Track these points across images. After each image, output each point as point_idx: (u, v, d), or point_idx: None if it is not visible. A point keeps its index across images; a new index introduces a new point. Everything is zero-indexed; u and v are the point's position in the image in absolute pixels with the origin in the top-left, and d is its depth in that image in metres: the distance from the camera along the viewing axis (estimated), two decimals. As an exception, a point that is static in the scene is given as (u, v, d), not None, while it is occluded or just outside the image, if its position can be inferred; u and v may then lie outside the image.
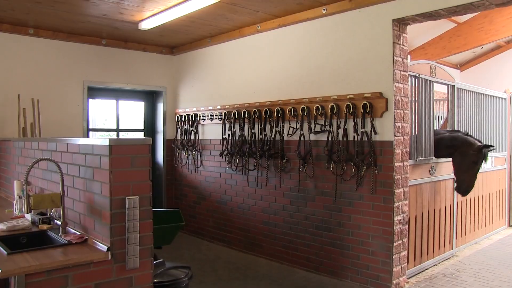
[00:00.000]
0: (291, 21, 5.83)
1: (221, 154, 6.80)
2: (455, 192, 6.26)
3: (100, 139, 3.01)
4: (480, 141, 6.02)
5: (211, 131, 7.17)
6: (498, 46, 15.92)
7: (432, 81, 5.84)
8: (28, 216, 3.86)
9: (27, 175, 3.30)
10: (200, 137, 7.40)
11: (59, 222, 3.43)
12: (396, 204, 4.87)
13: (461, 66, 16.94)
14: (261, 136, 6.20)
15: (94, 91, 7.30)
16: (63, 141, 3.58)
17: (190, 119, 7.49)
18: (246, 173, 6.47)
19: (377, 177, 4.96)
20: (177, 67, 8.00)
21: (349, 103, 5.11)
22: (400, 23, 4.96)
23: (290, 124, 5.86)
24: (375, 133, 4.95)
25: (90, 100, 7.28)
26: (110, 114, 7.95)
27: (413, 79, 5.43)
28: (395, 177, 4.86)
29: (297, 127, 5.73)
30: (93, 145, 3.06)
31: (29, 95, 6.25)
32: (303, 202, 5.74)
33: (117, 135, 7.77)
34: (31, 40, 6.48)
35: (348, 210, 5.25)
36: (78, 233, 3.25)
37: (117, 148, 2.89)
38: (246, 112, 6.39)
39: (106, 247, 2.86)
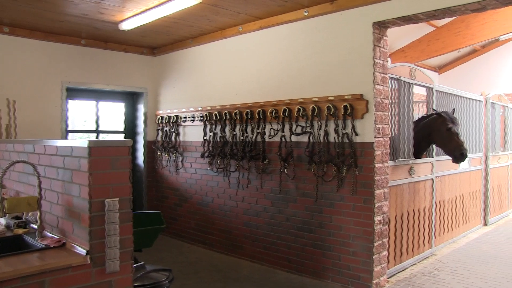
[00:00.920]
0: (273, 23, 5.84)
1: (202, 156, 6.77)
2: (433, 193, 6.36)
3: (79, 141, 2.97)
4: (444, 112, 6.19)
5: (193, 133, 7.14)
6: (474, 50, 16.21)
7: (412, 84, 5.91)
8: (2, 221, 3.77)
9: (2, 178, 3.22)
10: (181, 139, 7.36)
11: (35, 226, 3.36)
12: (376, 205, 4.91)
13: (440, 69, 17.20)
14: (242, 138, 6.19)
15: (73, 92, 7.20)
16: (41, 143, 3.52)
17: (171, 120, 7.45)
18: (228, 174, 6.45)
19: (357, 178, 4.99)
20: (158, 68, 7.95)
21: (330, 104, 5.14)
22: (381, 26, 5.01)
23: (271, 126, 5.87)
24: (356, 134, 4.99)
25: (69, 101, 7.18)
26: (90, 116, 7.86)
27: (393, 81, 5.48)
28: (376, 178, 4.90)
29: (279, 128, 5.75)
30: (72, 146, 3.01)
31: (4, 96, 6.14)
32: (285, 204, 5.75)
33: (97, 137, 7.68)
34: (6, 39, 6.34)
35: (329, 211, 5.27)
36: (56, 237, 3.19)
37: (97, 150, 2.84)
38: (228, 114, 6.38)
39: (85, 251, 2.81)
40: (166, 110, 7.69)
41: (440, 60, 16.33)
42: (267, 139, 5.92)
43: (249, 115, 6.06)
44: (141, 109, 8.00)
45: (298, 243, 5.60)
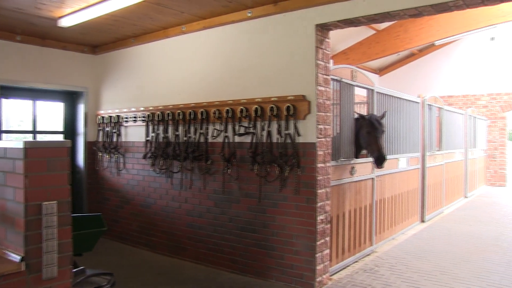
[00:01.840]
0: (217, 23, 5.82)
1: (144, 157, 6.65)
2: (374, 192, 6.55)
3: (13, 142, 2.85)
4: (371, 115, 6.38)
5: (134, 133, 7.00)
6: (412, 53, 16.88)
7: (353, 85, 6.05)
8: None
9: None
10: (123, 139, 7.20)
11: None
12: (318, 204, 4.99)
13: (380, 71, 17.77)
14: (185, 138, 6.14)
15: (7, 91, 6.87)
16: (-30, 144, 3.34)
17: (113, 120, 7.27)
18: (170, 175, 6.38)
19: (300, 178, 5.05)
20: (100, 67, 7.73)
21: (273, 105, 5.18)
22: (323, 29, 5.10)
23: (214, 126, 5.85)
24: (298, 135, 5.05)
25: (3, 100, 6.85)
26: (26, 115, 7.52)
27: (335, 82, 5.59)
28: (318, 178, 4.98)
29: (222, 129, 5.73)
30: (5, 148, 2.89)
31: None
32: (228, 204, 5.74)
33: (34, 138, 7.37)
34: None
35: (272, 211, 5.31)
36: (-14, 243, 3.04)
37: (33, 151, 2.74)
38: (170, 114, 6.30)
39: (20, 257, 2.70)
40: (107, 110, 7.50)
41: (380, 63, 16.90)
42: (210, 140, 5.90)
43: (192, 116, 6.01)
44: (81, 109, 7.76)
45: (242, 243, 5.61)
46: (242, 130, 5.54)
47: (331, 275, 5.42)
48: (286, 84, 5.19)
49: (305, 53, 5.05)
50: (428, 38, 12.46)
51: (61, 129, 7.83)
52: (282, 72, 5.23)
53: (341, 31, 5.45)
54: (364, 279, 5.41)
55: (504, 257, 6.37)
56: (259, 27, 5.46)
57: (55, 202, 2.82)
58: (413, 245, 7.05)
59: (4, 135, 6.92)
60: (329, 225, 5.24)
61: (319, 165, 5.01)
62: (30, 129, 7.37)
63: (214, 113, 5.75)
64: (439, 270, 5.76)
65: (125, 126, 7.16)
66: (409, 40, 12.56)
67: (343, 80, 5.77)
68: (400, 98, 7.78)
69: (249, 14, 5.46)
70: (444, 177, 10.39)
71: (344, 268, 5.81)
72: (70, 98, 7.83)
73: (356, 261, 6.13)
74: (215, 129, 5.83)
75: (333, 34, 5.37)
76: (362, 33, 13.03)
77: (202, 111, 5.89)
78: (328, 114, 5.20)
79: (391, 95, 7.35)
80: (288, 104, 5.06)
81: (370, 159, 6.51)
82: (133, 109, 6.96)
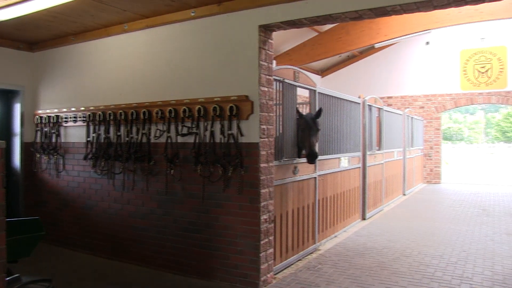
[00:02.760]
0: (160, 22, 5.75)
1: (85, 158, 6.47)
2: (316, 191, 6.68)
3: None
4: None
5: (75, 134, 6.79)
6: (354, 55, 17.35)
7: (296, 86, 6.15)
8: None
9: None
10: (62, 140, 6.96)
11: None
12: (262, 204, 5.04)
13: (323, 72, 18.13)
14: (127, 139, 6.02)
15: None
16: None
17: (52, 121, 7.02)
18: (112, 177, 6.24)
19: (243, 178, 5.08)
20: (38, 65, 7.43)
21: (216, 105, 5.18)
22: (266, 29, 5.15)
23: (157, 127, 5.78)
24: (242, 135, 5.08)
25: None
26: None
27: (277, 83, 5.66)
28: (261, 178, 5.02)
29: (164, 129, 5.67)
30: None
31: None
32: (171, 205, 5.69)
33: (-35, 138, 6.99)
34: None
35: (216, 211, 5.31)
36: None
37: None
38: (112, 114, 6.16)
39: None
40: (46, 110, 7.22)
41: (323, 64, 17.24)
42: (152, 140, 5.82)
43: (134, 116, 5.91)
44: (17, 108, 7.42)
45: (186, 244, 5.57)
46: (185, 131, 5.50)
47: (275, 274, 5.48)
48: (229, 85, 5.20)
49: (248, 53, 5.08)
50: (369, 41, 12.88)
51: (-5, 129, 7.48)
52: (225, 72, 5.24)
53: (284, 32, 5.54)
54: (308, 277, 5.50)
55: (437, 250, 6.69)
56: (203, 27, 5.45)
57: (-13, 206, 2.70)
58: (355, 242, 7.25)
59: None
60: (272, 224, 5.30)
61: (262, 165, 5.06)
62: (-39, 129, 7.00)
63: (157, 113, 5.68)
64: (380, 265, 5.96)
65: (65, 127, 6.93)
66: (350, 42, 12.92)
67: (286, 80, 5.85)
68: (341, 98, 7.98)
69: (192, 14, 5.43)
70: (384, 175, 10.75)
71: (288, 267, 5.88)
72: (5, 97, 7.48)
73: (299, 260, 6.22)
74: (157, 129, 5.76)
75: (276, 35, 5.44)
76: (305, 34, 13.25)
77: (144, 111, 5.80)
78: (271, 114, 5.26)
79: (332, 96, 7.52)
80: (231, 104, 5.08)
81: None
82: (73, 109, 6.75)
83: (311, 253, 6.58)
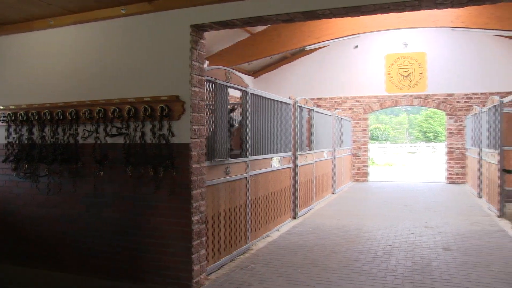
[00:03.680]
0: (89, 18, 5.54)
1: (5, 160, 6.10)
2: (248, 191, 6.73)
3: None
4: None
5: (-7, 135, 6.41)
6: (285, 57, 17.65)
7: (227, 86, 6.16)
8: None
9: None
10: (-21, 141, 6.55)
11: None
12: (194, 205, 5.00)
13: (255, 73, 18.29)
14: (53, 140, 5.76)
15: None
16: None
17: (-33, 120, 6.58)
18: (36, 180, 5.94)
19: (175, 179, 5.02)
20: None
21: (146, 105, 5.08)
22: (198, 29, 5.13)
23: (85, 127, 5.57)
24: (173, 135, 5.02)
25: None
26: None
27: (209, 83, 5.65)
28: (192, 179, 4.99)
29: (93, 130, 5.48)
30: None
31: None
32: (100, 208, 5.50)
33: None
34: None
35: (147, 213, 5.20)
36: None
37: None
38: (36, 114, 5.86)
39: None
40: (-39, 109, 6.76)
41: (255, 65, 17.40)
42: (80, 141, 5.60)
43: (61, 116, 5.66)
44: None
45: (116, 248, 5.41)
46: (114, 131, 5.35)
47: (208, 275, 5.47)
48: (160, 85, 5.12)
49: (180, 53, 5.03)
50: (300, 43, 13.17)
51: None
52: (156, 72, 5.16)
53: (216, 32, 5.54)
54: (241, 277, 5.54)
55: (365, 246, 6.97)
56: (134, 25, 5.33)
57: None
58: (287, 241, 7.38)
59: None
60: (204, 225, 5.28)
61: (194, 165, 5.03)
62: None
63: (85, 113, 5.48)
64: (311, 262, 6.11)
65: (-18, 127, 6.52)
66: (282, 44, 13.15)
67: (218, 81, 5.85)
68: (273, 99, 8.09)
69: (123, 11, 5.30)
70: (314, 175, 11.02)
71: (221, 267, 5.89)
72: None
73: (232, 260, 6.25)
74: (85, 130, 5.55)
75: (209, 35, 5.42)
76: (237, 35, 13.32)
77: (71, 111, 5.57)
78: (202, 114, 5.23)
79: (264, 97, 7.60)
80: (162, 105, 5.01)
81: (244, 159, 6.68)
82: (-8, 108, 6.38)
83: (244, 252, 6.62)
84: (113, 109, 5.27)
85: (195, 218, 5.04)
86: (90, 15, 5.52)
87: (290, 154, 9.09)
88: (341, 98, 17.34)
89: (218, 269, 5.81)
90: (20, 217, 6.12)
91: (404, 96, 16.59)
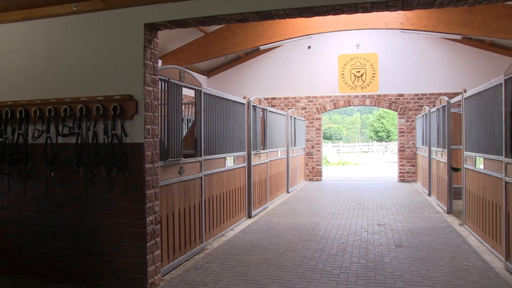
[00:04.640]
0: (39, 15, 5.40)
1: None
2: (203, 190, 6.75)
3: None
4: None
5: None
6: (239, 56, 17.72)
7: (181, 85, 6.15)
8: None
9: None
10: None
11: None
12: (148, 205, 4.98)
13: (209, 72, 18.26)
14: (1, 140, 5.58)
15: None
16: None
17: None
18: (-17, 181, 5.74)
19: (128, 179, 4.98)
20: None
21: (99, 105, 5.02)
22: (152, 28, 5.10)
23: (35, 126, 5.42)
24: (126, 135, 4.98)
25: None
26: None
27: (163, 83, 5.62)
28: (146, 179, 4.97)
29: (44, 129, 5.35)
30: None
31: None
32: (52, 209, 5.38)
33: None
34: None
35: (100, 214, 5.14)
36: None
37: None
38: (-18, 113, 5.67)
39: None
40: None
41: (209, 65, 17.38)
42: (30, 141, 5.46)
43: (9, 115, 5.50)
44: None
45: (69, 250, 5.31)
46: (66, 131, 5.25)
47: (163, 276, 5.45)
48: (113, 83, 5.07)
49: (133, 52, 5.00)
50: (254, 43, 13.26)
51: None
52: (109, 70, 5.10)
53: (170, 31, 5.52)
54: (196, 277, 5.54)
55: (319, 244, 7.10)
56: (86, 22, 5.24)
57: None
58: (242, 240, 7.42)
59: None
60: (159, 226, 5.26)
61: (147, 165, 5.00)
62: None
63: (35, 112, 5.34)
64: (266, 261, 6.17)
65: None
66: (236, 43, 13.20)
67: (171, 80, 5.83)
68: (227, 99, 8.12)
69: (74, 8, 5.20)
70: (269, 174, 11.13)
71: (176, 268, 5.87)
72: None
73: (187, 260, 6.24)
74: (36, 129, 5.41)
75: (163, 34, 5.40)
76: (191, 34, 13.28)
77: (21, 109, 5.42)
78: (156, 114, 5.21)
79: (218, 96, 7.62)
80: (115, 104, 4.96)
81: (199, 158, 6.69)
82: None
83: (199, 252, 6.62)
84: (65, 108, 5.17)
85: (149, 218, 5.02)
86: (40, 11, 5.39)
87: (244, 153, 9.15)
88: (295, 98, 17.55)
89: (173, 269, 5.80)
90: (-35, 220, 5.89)
91: (356, 96, 16.97)
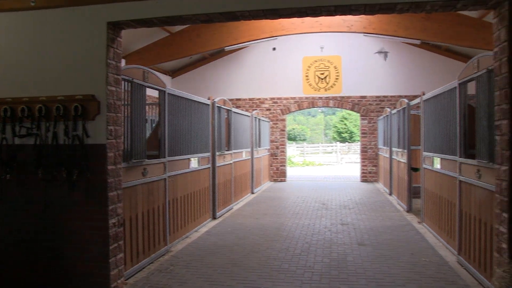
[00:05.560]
0: (-8, 9, 5.21)
1: None
2: (167, 192, 6.66)
3: None
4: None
5: None
6: (204, 57, 17.63)
7: (145, 86, 6.05)
8: None
9: None
10: None
11: None
12: (110, 207, 4.87)
13: (173, 73, 18.10)
14: (-48, 141, 5.34)
15: None
16: None
17: None
18: None
19: (90, 181, 4.86)
20: None
21: (59, 105, 4.87)
22: (115, 27, 5.00)
23: (-11, 127, 5.21)
24: (87, 136, 4.85)
25: None
26: None
27: (126, 83, 5.52)
28: (109, 181, 4.85)
29: (-1, 130, 5.15)
30: None
31: None
32: (8, 213, 5.17)
33: None
34: None
35: (61, 218, 4.98)
36: None
37: None
38: None
39: None
40: None
41: (174, 65, 17.23)
42: (-16, 142, 5.25)
43: (-38, 115, 5.27)
44: None
45: (28, 256, 5.11)
46: (23, 131, 5.06)
47: (126, 279, 5.34)
48: (74, 83, 4.93)
49: (96, 51, 4.88)
50: (219, 44, 13.23)
51: None
52: (70, 70, 4.95)
53: (134, 30, 5.41)
54: (160, 279, 5.46)
55: (284, 244, 7.13)
56: (45, 19, 5.06)
57: None
58: (206, 242, 7.37)
59: None
60: (122, 228, 5.15)
61: (110, 167, 4.89)
62: None
63: (-11, 112, 5.14)
64: (231, 262, 6.14)
65: None
66: (201, 44, 13.13)
67: (135, 80, 5.73)
68: (191, 99, 8.05)
69: (32, 4, 5.02)
70: (233, 175, 11.11)
71: (140, 271, 5.77)
72: None
73: (152, 262, 6.14)
74: (-11, 130, 5.20)
75: (127, 33, 5.30)
76: (156, 34, 13.12)
77: (-26, 109, 5.21)
78: (119, 114, 5.11)
79: (182, 97, 7.55)
80: (77, 104, 4.82)
81: (162, 159, 6.60)
82: None
83: (163, 255, 6.53)
84: (22, 108, 4.99)
85: (112, 221, 4.91)
86: (-6, 5, 5.18)
87: (208, 154, 9.09)
88: (259, 99, 17.59)
89: (137, 272, 5.70)
90: None
91: (320, 97, 17.15)
